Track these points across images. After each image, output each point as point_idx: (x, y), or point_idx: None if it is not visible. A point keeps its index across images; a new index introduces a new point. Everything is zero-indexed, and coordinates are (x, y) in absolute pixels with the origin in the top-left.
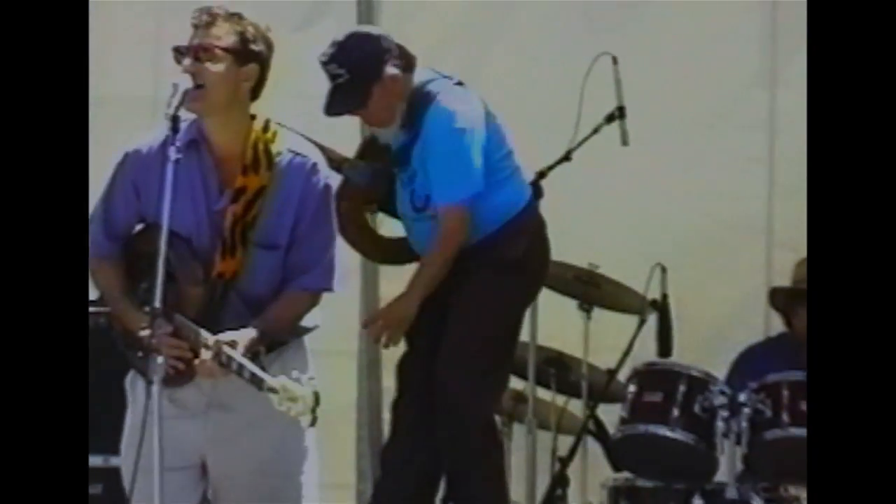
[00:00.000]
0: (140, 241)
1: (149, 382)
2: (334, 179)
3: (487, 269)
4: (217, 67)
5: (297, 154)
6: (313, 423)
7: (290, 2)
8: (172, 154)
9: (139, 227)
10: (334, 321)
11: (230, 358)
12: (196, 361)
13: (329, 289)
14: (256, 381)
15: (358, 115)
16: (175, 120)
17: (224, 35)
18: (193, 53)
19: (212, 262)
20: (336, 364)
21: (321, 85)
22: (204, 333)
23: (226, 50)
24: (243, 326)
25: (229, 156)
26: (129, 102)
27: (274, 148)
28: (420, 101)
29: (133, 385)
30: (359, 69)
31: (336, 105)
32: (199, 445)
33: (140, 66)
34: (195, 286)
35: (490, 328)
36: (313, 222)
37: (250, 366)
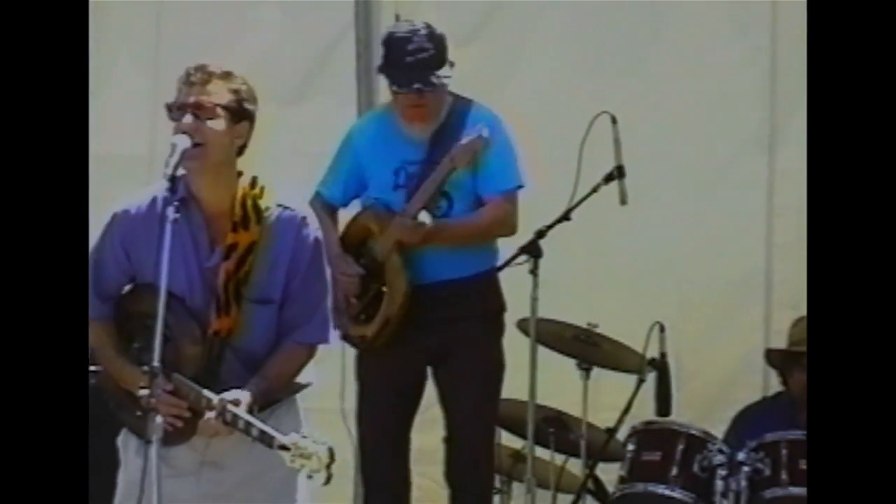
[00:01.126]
0: (130, 301)
1: (147, 442)
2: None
3: (485, 323)
4: (217, 125)
5: (286, 208)
6: (328, 480)
7: (289, 59)
8: (171, 213)
9: (128, 287)
10: (323, 378)
11: (235, 416)
12: (200, 421)
13: (325, 341)
14: (266, 439)
15: (422, 100)
16: (173, 180)
17: (220, 93)
18: (192, 110)
19: (207, 320)
20: (327, 421)
21: (320, 143)
22: (206, 393)
23: (223, 108)
24: (241, 384)
25: (219, 213)
26: (125, 161)
27: (262, 203)
28: (460, 102)
29: (125, 445)
30: (442, 48)
31: (419, 77)
32: None
33: (136, 124)
34: (193, 345)
35: (498, 384)
36: (307, 276)
37: (258, 423)
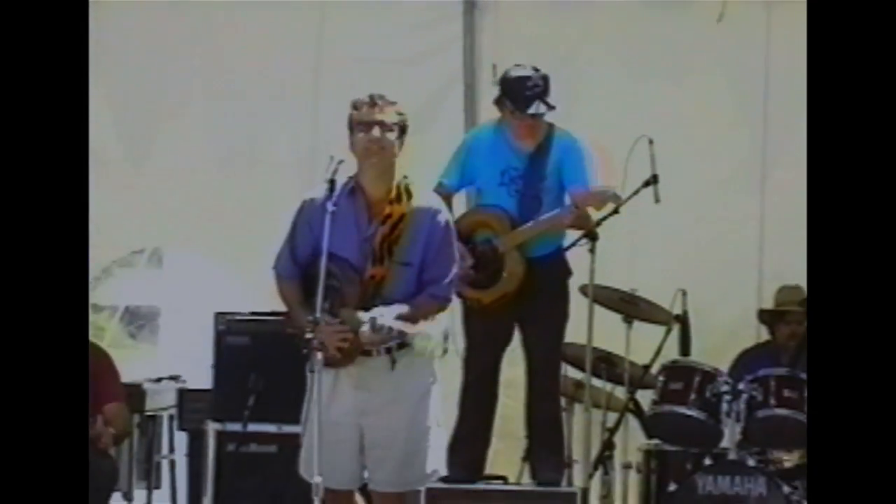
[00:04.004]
0: (312, 266)
1: (310, 371)
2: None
3: (558, 290)
4: (392, 136)
5: (425, 207)
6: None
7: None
8: (329, 207)
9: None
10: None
11: (381, 325)
12: (359, 333)
13: (450, 299)
14: (400, 336)
15: (535, 122)
16: (332, 183)
17: (392, 115)
18: (379, 127)
19: (365, 270)
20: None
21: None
22: (361, 313)
23: (396, 125)
24: None
25: (379, 199)
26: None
27: (412, 189)
28: (550, 127)
29: (314, 365)
30: (548, 87)
31: (536, 105)
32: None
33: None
34: (353, 287)
35: (563, 334)
36: (440, 247)
37: (397, 324)
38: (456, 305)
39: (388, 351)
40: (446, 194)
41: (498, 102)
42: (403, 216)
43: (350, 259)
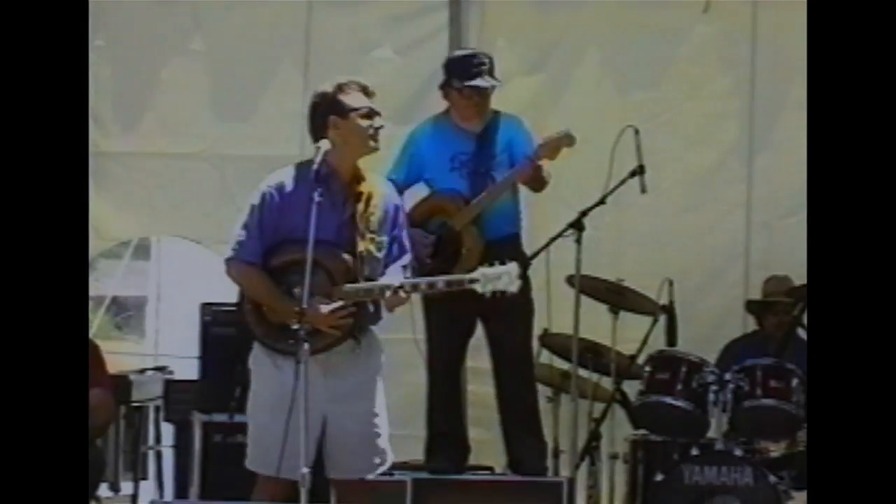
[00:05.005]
0: (282, 252)
1: (297, 363)
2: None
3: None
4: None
5: (383, 188)
6: (523, 284)
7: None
8: (316, 197)
9: (278, 242)
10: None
11: (414, 285)
12: (385, 300)
13: (416, 268)
14: (455, 283)
15: (480, 98)
16: (318, 172)
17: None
18: (378, 116)
19: (353, 247)
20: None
21: None
22: (379, 283)
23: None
24: None
25: (349, 180)
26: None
27: (365, 173)
28: (494, 112)
29: (258, 362)
30: (493, 65)
31: (489, 79)
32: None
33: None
34: (341, 265)
35: (531, 323)
36: (401, 226)
37: (441, 278)
38: (416, 298)
39: (354, 335)
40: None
41: (444, 86)
42: (371, 194)
43: (331, 240)
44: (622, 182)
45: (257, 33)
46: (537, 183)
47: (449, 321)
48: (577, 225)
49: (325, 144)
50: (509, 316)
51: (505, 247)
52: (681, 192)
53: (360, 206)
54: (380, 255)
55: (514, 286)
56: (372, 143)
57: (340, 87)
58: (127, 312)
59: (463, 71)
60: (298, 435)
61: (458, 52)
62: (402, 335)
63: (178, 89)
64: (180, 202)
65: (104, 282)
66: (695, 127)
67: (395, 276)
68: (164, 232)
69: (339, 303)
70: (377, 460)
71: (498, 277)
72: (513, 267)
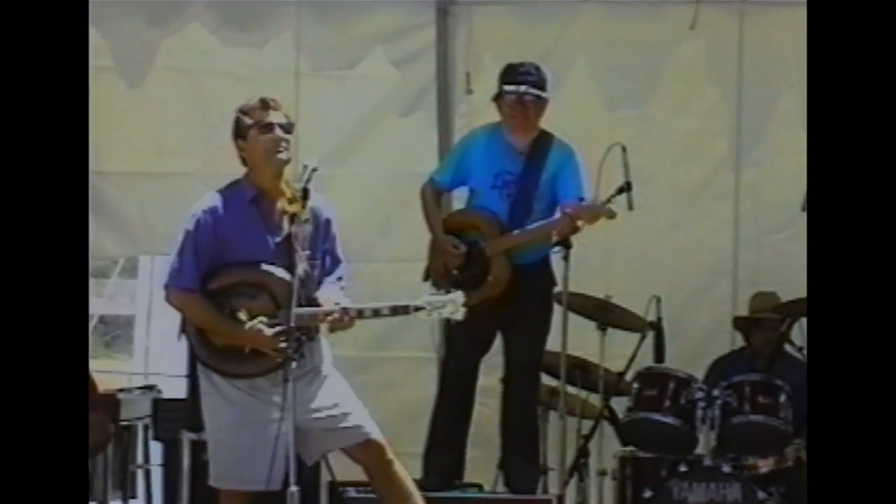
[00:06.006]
0: (221, 277)
1: (284, 380)
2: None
3: (542, 300)
4: (290, 137)
5: (317, 205)
6: (466, 315)
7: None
8: (303, 216)
9: (214, 267)
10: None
11: (361, 310)
12: (332, 319)
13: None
14: (401, 310)
15: (525, 107)
16: (305, 192)
17: (284, 117)
18: (279, 127)
19: (293, 265)
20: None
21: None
22: (326, 308)
23: (291, 126)
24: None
25: (279, 200)
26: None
27: (297, 187)
28: (545, 133)
29: (204, 384)
30: (544, 79)
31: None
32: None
33: None
34: (284, 287)
35: (544, 345)
36: (333, 241)
37: (386, 304)
38: None
39: (295, 359)
40: (437, 190)
41: (496, 98)
42: (302, 213)
43: (270, 261)
44: (610, 199)
45: (244, 53)
46: (566, 239)
47: (469, 334)
48: (565, 242)
49: (312, 161)
50: (528, 331)
51: (533, 272)
52: (668, 209)
53: (294, 228)
54: (315, 273)
55: (458, 314)
56: (279, 156)
57: (241, 110)
58: (115, 331)
59: (508, 77)
60: (262, 449)
61: (513, 62)
62: (394, 353)
63: (169, 108)
64: (173, 221)
65: (91, 301)
66: (682, 143)
67: (330, 289)
68: (157, 251)
69: (282, 327)
70: (365, 429)
71: (443, 305)
72: (457, 296)
